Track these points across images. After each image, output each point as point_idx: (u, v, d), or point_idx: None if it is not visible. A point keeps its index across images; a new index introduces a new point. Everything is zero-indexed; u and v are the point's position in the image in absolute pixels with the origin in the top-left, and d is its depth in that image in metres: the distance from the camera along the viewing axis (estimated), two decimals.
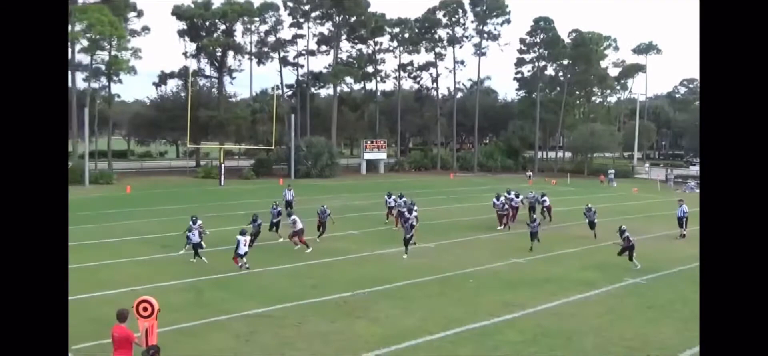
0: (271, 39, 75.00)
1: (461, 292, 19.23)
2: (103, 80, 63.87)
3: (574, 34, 79.20)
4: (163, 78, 74.87)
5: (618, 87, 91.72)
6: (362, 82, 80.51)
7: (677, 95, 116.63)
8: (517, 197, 35.19)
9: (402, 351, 13.93)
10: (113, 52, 59.78)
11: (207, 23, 70.80)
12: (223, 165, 58.65)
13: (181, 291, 18.33)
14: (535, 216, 29.55)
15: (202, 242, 23.25)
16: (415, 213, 28.09)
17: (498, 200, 33.65)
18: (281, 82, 77.19)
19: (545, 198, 35.33)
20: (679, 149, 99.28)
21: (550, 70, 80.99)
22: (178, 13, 69.76)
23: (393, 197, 33.38)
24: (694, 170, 72.67)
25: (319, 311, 16.67)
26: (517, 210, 34.65)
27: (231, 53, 73.49)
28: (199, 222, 23.58)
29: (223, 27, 71.49)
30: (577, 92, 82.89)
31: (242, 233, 20.93)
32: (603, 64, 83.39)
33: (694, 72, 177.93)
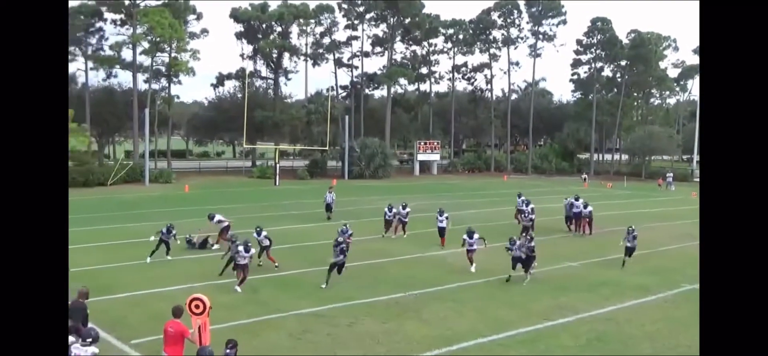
0: (326, 41, 75.53)
1: (512, 295, 19.07)
2: (163, 81, 65.15)
3: (632, 35, 77.82)
4: (221, 79, 75.95)
5: (677, 88, 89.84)
6: (416, 84, 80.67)
7: None
8: (528, 205, 32.63)
9: (453, 353, 13.95)
10: (173, 54, 60.85)
11: (263, 25, 71.50)
12: (278, 165, 59.10)
13: (227, 290, 18.61)
14: (514, 239, 22.39)
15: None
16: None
17: (520, 198, 33.48)
18: (336, 84, 77.66)
19: (588, 207, 31.77)
20: None
21: (607, 72, 79.68)
22: (236, 15, 70.66)
23: (394, 209, 29.58)
24: None
25: (370, 311, 16.76)
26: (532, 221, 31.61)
27: (287, 55, 73.93)
28: (264, 233, 22.35)
29: (279, 29, 72.05)
30: (635, 94, 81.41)
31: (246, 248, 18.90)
32: (662, 64, 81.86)
33: None
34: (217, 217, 26.19)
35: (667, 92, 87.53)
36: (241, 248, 18.67)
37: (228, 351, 10.25)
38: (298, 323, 15.42)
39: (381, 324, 15.76)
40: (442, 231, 27.37)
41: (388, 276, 21.06)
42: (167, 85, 65.82)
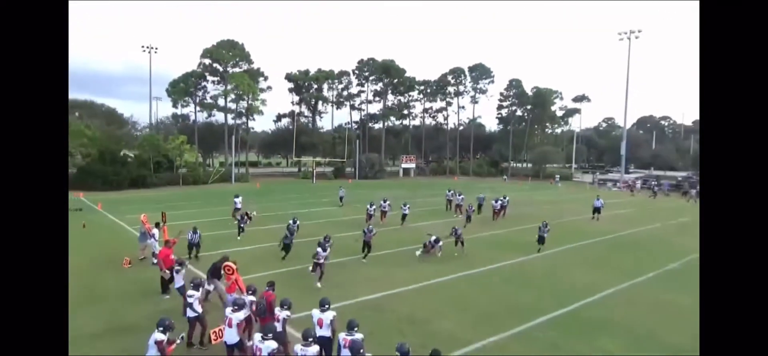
0: (345, 93, 75.75)
1: (459, 253, 18.88)
2: (243, 119, 65.34)
3: (534, 89, 78.05)
4: (279, 117, 76.76)
5: (562, 123, 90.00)
6: (400, 120, 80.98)
7: (600, 128, 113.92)
8: (459, 195, 31.41)
9: (395, 293, 14.08)
10: (250, 102, 61.13)
11: (306, 83, 72.17)
12: (315, 171, 59.59)
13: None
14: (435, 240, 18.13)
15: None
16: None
17: (449, 192, 32.95)
18: (351, 119, 77.89)
19: (505, 198, 29.49)
20: (601, 162, 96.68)
21: (519, 112, 79.78)
22: (289, 77, 71.34)
23: (387, 201, 26.32)
24: (611, 175, 70.81)
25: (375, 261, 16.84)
26: (460, 207, 29.99)
27: (320, 102, 74.66)
28: (297, 222, 19.79)
29: (315, 86, 72.68)
30: (536, 126, 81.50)
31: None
32: (553, 108, 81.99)
33: (610, 112, 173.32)
34: (237, 200, 26.21)
35: (556, 125, 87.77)
36: (319, 249, 13.81)
37: (267, 288, 9.55)
38: None
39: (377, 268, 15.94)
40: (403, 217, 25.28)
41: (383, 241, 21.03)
42: (246, 121, 65.88)
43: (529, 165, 78.31)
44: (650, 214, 33.71)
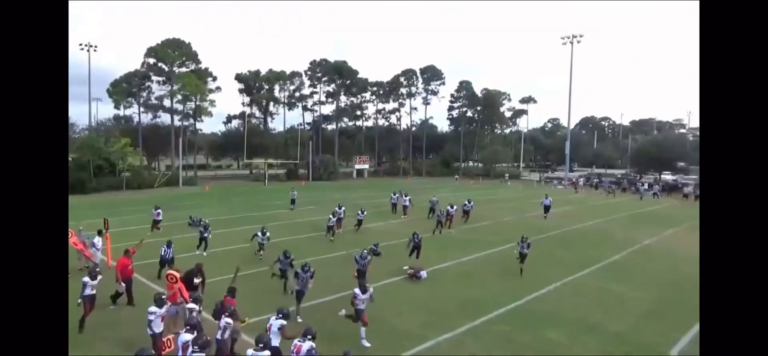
0: (297, 94, 74.85)
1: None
2: (191, 120, 63.22)
3: (484, 91, 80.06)
4: (229, 119, 75.17)
5: (511, 123, 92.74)
6: (354, 121, 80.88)
7: (546, 128, 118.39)
8: (406, 196, 30.33)
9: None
10: (198, 103, 59.27)
11: (257, 84, 70.89)
12: (267, 173, 58.47)
13: (240, 251, 18.25)
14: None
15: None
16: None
17: (395, 195, 30.93)
18: (303, 120, 77.08)
19: (469, 203, 27.49)
20: (547, 161, 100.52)
21: (469, 113, 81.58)
22: (239, 78, 69.88)
23: (342, 208, 24.04)
24: (556, 173, 73.78)
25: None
26: (406, 208, 29.53)
27: (272, 103, 73.50)
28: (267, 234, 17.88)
29: (266, 86, 71.48)
30: (486, 127, 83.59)
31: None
32: (502, 109, 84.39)
33: (555, 113, 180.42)
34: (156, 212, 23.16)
35: (505, 126, 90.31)
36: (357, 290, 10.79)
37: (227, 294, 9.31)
38: None
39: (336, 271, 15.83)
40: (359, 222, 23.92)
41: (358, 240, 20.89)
42: (194, 122, 63.71)
43: (480, 165, 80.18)
44: (593, 210, 35.31)
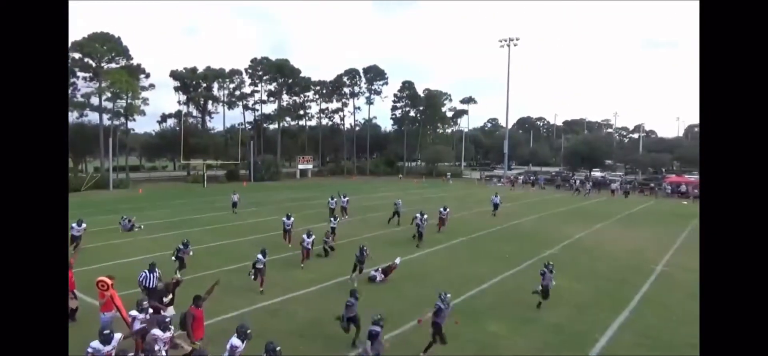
0: (237, 92, 72.77)
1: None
2: (122, 119, 59.76)
3: (426, 91, 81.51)
4: (164, 118, 71.52)
5: (452, 123, 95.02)
6: (296, 121, 79.86)
7: (486, 128, 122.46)
8: (344, 198, 29.39)
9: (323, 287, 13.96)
10: (129, 101, 56.10)
11: (194, 82, 68.19)
12: (205, 174, 56.42)
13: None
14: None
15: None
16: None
17: (333, 199, 28.33)
18: (244, 120, 74.94)
19: (446, 211, 24.86)
20: (487, 159, 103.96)
21: (412, 113, 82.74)
22: (174, 75, 66.95)
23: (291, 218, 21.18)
24: (496, 171, 76.50)
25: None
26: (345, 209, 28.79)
27: (210, 101, 70.97)
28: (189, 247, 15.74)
29: (204, 85, 68.92)
30: (428, 126, 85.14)
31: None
32: (443, 109, 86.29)
33: (494, 113, 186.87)
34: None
35: (446, 125, 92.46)
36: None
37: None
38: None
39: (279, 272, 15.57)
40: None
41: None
42: (125, 121, 60.16)
43: (423, 164, 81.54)
44: (530, 207, 36.94)
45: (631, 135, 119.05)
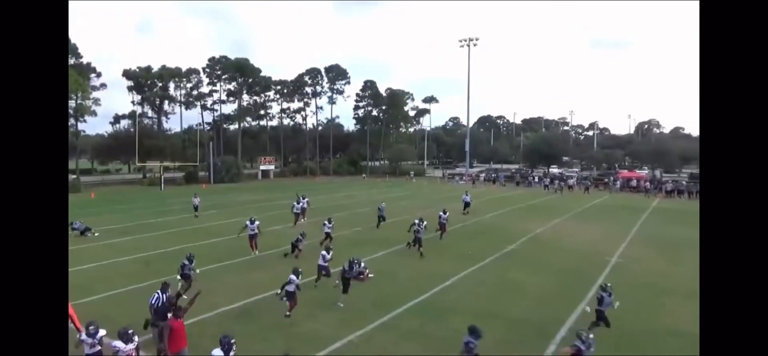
0: (195, 92, 70.82)
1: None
2: (72, 121, 57.06)
3: (388, 91, 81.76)
4: (117, 119, 68.97)
5: (414, 122, 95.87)
6: (257, 121, 78.59)
7: (447, 127, 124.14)
8: (303, 198, 27.87)
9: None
10: (79, 102, 53.61)
11: (148, 82, 65.85)
12: (163, 176, 54.65)
13: (133, 263, 16.99)
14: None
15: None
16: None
17: (297, 205, 26.81)
18: (203, 120, 72.99)
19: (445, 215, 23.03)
20: (449, 158, 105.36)
21: (374, 112, 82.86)
22: (128, 74, 64.53)
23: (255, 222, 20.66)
24: (458, 169, 77.62)
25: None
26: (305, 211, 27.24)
27: (166, 101, 68.78)
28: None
29: (160, 84, 66.70)
30: (391, 126, 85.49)
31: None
32: (405, 108, 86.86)
33: (455, 112, 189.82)
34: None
35: (409, 125, 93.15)
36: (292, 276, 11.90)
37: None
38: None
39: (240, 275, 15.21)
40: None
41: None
42: (75, 123, 57.40)
43: (386, 163, 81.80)
44: (491, 203, 37.65)
45: (586, 133, 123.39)
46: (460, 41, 65.93)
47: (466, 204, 31.61)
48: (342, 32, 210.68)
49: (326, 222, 20.57)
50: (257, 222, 19.27)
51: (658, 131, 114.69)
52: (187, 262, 13.51)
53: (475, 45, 65.02)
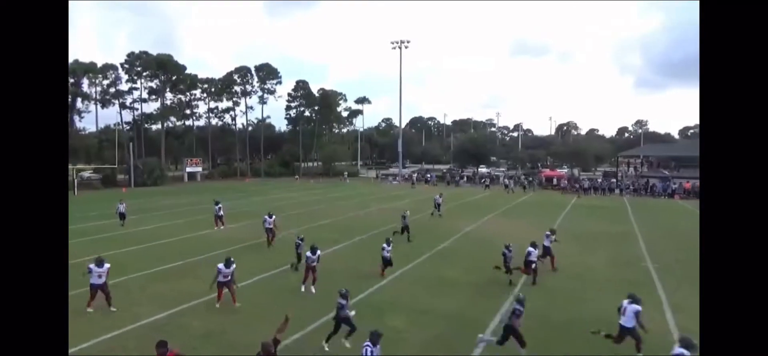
0: (112, 90, 66.22)
1: (255, 256, 18.56)
2: None
3: (321, 91, 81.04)
4: None
5: (347, 123, 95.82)
6: (182, 120, 74.83)
7: (380, 127, 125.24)
8: (217, 204, 25.75)
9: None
10: None
11: None
12: (76, 180, 50.48)
13: None
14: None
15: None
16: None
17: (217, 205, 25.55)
18: (121, 120, 68.54)
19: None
20: (382, 158, 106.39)
21: (307, 113, 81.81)
22: None
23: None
24: (392, 170, 78.52)
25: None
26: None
27: (79, 99, 63.60)
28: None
29: (72, 80, 61.60)
30: (324, 126, 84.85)
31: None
32: (338, 109, 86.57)
33: (388, 113, 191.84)
34: None
35: (342, 125, 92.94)
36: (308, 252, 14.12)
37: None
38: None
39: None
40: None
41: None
42: None
43: (319, 164, 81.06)
44: (423, 203, 38.42)
45: (511, 133, 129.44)
46: (392, 43, 66.77)
47: (438, 205, 30.43)
48: (273, 32, 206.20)
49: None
50: (274, 217, 21.03)
51: (575, 133, 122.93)
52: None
53: (406, 47, 66.09)
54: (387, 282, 15.09)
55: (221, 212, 25.33)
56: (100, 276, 11.90)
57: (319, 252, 14.34)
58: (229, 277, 12.66)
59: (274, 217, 21.07)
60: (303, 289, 13.96)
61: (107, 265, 12.22)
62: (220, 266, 12.69)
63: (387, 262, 15.87)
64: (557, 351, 10.17)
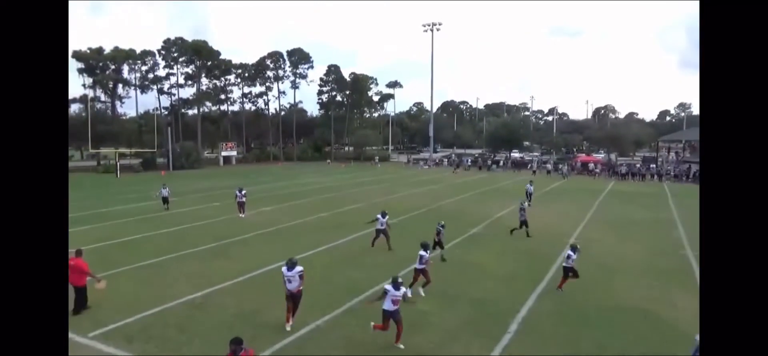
0: (151, 75, 68.33)
1: (285, 238, 19.01)
2: None
3: (352, 76, 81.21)
4: (67, 103, 65.56)
5: (379, 107, 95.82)
6: (217, 105, 76.62)
7: (412, 112, 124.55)
8: (241, 191, 24.72)
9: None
10: None
11: (100, 63, 62.93)
12: (118, 163, 52.63)
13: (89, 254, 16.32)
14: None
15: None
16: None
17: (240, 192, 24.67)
18: (160, 105, 71.06)
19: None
20: (413, 143, 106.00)
21: (338, 97, 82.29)
22: (77, 56, 61.24)
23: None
24: (422, 154, 78.24)
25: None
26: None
27: (120, 85, 65.95)
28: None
29: (112, 67, 63.87)
30: (355, 110, 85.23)
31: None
32: (369, 93, 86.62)
33: (419, 98, 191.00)
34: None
35: (373, 109, 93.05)
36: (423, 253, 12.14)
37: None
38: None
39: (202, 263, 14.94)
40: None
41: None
42: None
43: (351, 148, 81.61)
44: (454, 188, 38.21)
45: (545, 118, 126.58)
46: (424, 26, 66.18)
47: (529, 195, 28.59)
48: (305, 16, 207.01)
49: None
50: (387, 217, 17.46)
51: (613, 117, 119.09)
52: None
53: (438, 30, 65.39)
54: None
55: (244, 199, 24.58)
56: (290, 281, 10.19)
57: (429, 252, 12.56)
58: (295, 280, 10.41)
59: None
60: (410, 294, 11.70)
61: (299, 268, 10.31)
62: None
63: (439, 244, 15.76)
64: (584, 340, 10.06)
